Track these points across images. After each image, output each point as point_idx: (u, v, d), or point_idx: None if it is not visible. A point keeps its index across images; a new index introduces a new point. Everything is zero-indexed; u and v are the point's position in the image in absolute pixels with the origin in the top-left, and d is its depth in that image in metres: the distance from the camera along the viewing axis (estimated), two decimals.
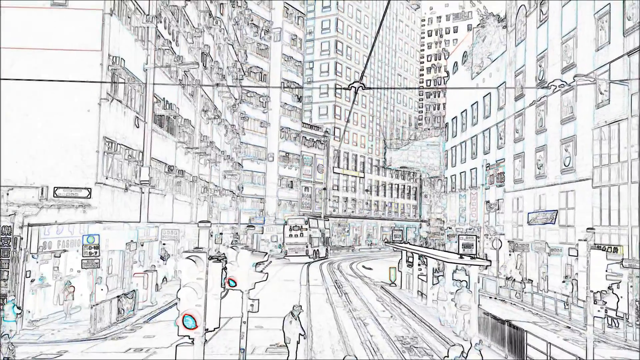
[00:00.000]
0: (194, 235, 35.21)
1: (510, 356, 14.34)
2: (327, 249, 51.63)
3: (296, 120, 63.15)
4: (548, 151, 29.84)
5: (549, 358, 12.27)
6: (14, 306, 15.60)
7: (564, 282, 26.08)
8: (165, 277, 29.03)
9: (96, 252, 17.35)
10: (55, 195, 17.65)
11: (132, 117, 21.67)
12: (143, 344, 15.48)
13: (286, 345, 12.13)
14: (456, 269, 18.74)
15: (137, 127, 22.11)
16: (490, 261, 17.57)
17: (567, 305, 21.98)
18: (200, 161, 34.57)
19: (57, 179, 17.78)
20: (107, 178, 19.10)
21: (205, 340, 10.77)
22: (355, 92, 16.97)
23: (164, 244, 30.75)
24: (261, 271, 10.83)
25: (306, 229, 46.07)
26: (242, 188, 53.40)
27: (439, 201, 66.27)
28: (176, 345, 10.18)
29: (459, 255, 17.52)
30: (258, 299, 10.87)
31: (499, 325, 15.55)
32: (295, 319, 11.46)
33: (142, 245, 23.81)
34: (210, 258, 10.78)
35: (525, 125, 32.88)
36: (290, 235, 46.13)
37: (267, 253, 11.19)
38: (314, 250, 47.19)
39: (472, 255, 17.31)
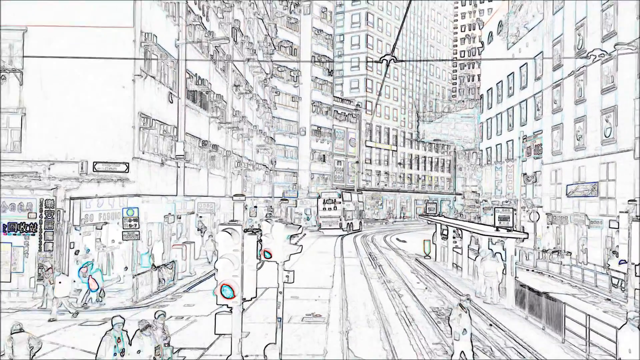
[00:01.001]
0: (229, 208, 35.77)
1: (548, 328, 14.19)
2: (360, 222, 51.84)
3: (327, 94, 62.80)
4: (588, 122, 28.88)
5: (587, 330, 12.08)
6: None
7: (621, 262, 24.95)
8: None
9: (136, 224, 17.83)
10: (94, 170, 18.12)
11: (166, 93, 21.94)
12: (184, 312, 15.95)
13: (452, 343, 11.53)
14: (491, 241, 18.54)
15: (171, 103, 22.37)
16: (527, 233, 17.29)
17: (623, 284, 20.85)
18: (233, 136, 34.86)
19: (96, 154, 18.23)
20: (143, 153, 19.49)
21: (243, 309, 11.04)
22: (387, 65, 16.70)
23: (200, 217, 31.36)
24: (295, 243, 10.93)
25: (340, 202, 46.37)
26: (275, 162, 53.76)
27: (473, 174, 65.30)
28: (215, 314, 10.44)
29: (495, 228, 17.29)
30: (293, 270, 11.00)
31: (537, 297, 15.37)
32: (465, 312, 11.04)
33: (180, 218, 24.33)
34: (246, 231, 10.97)
35: (564, 95, 31.83)
36: (324, 209, 46.48)
37: (301, 226, 11.27)
38: (348, 223, 47.44)
39: (509, 228, 17.04)
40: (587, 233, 28.98)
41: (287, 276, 10.50)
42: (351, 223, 48.47)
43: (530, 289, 15.91)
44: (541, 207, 34.72)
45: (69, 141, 18.60)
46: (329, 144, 62.84)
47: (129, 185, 18.68)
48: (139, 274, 17.54)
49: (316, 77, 60.87)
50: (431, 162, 79.74)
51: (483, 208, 49.22)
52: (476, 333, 14.25)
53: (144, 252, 20.51)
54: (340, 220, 46.24)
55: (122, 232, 17.90)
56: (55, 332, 13.43)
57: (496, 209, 17.24)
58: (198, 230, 30.76)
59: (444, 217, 40.29)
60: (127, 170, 18.47)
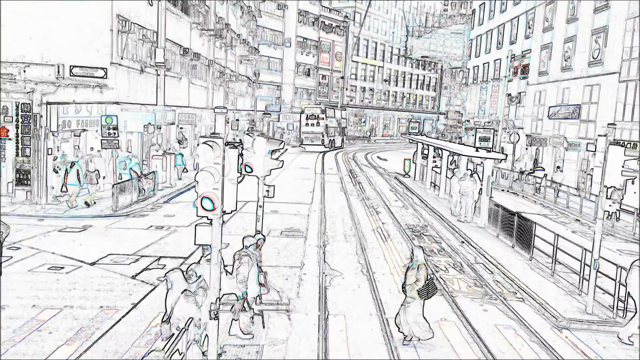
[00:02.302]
0: (210, 120, 35.33)
1: (518, 246, 14.76)
2: (342, 139, 52.11)
3: (315, 2, 60.26)
4: (577, 42, 28.40)
5: (555, 249, 12.59)
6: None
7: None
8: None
9: (115, 133, 17.54)
10: (71, 74, 17.47)
11: None
12: (164, 222, 16.16)
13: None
14: (470, 161, 18.76)
15: (151, 6, 21.27)
16: (506, 155, 17.51)
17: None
18: (215, 44, 33.66)
19: (74, 58, 17.47)
20: (122, 58, 18.75)
21: (223, 221, 11.17)
22: None
23: (181, 128, 30.96)
24: (277, 158, 10.89)
25: (322, 119, 46.28)
26: (259, 74, 52.50)
27: (458, 93, 64.89)
28: (195, 225, 10.56)
29: (475, 149, 17.44)
30: (274, 185, 11.06)
31: (508, 216, 15.85)
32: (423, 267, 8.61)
33: (160, 129, 23.99)
34: (227, 144, 10.88)
35: (556, 13, 31.02)
36: (307, 124, 46.35)
37: (283, 141, 11.17)
38: (330, 140, 47.59)
39: (489, 149, 17.20)
40: (565, 155, 29.47)
41: (267, 190, 10.57)
42: (333, 140, 48.58)
43: (503, 208, 16.37)
44: (522, 128, 34.94)
45: (45, 43, 17.67)
46: (315, 57, 61.22)
47: (108, 92, 18.16)
48: (118, 183, 17.52)
49: None
50: (417, 80, 78.58)
51: (465, 128, 49.42)
52: (448, 250, 14.79)
53: (125, 160, 20.34)
54: (323, 136, 46.28)
55: (101, 140, 17.63)
56: (35, 237, 13.55)
57: (477, 129, 17.26)
58: (179, 142, 30.49)
59: (426, 136, 40.45)
60: (105, 76, 17.86)
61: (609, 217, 19.37)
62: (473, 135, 47.78)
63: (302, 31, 59.01)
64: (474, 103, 46.88)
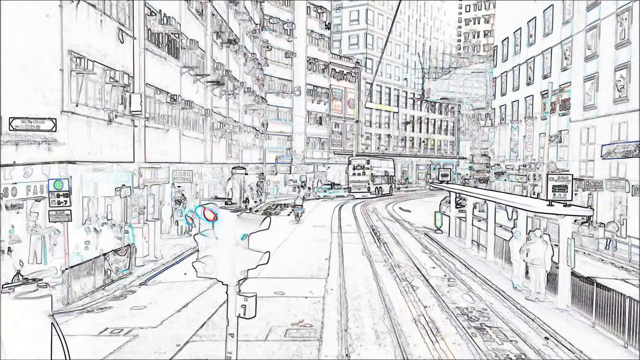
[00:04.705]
0: (211, 176, 31.42)
1: (601, 324, 10.09)
2: (390, 186, 54.30)
3: (324, 50, 57.51)
4: (632, 69, 24.19)
5: None
6: None
7: None
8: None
9: (66, 202, 13.44)
10: (11, 128, 13.60)
11: (114, 29, 17.15)
12: (126, 320, 11.70)
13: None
14: (535, 218, 14.20)
15: (122, 43, 17.61)
16: (593, 209, 12.96)
17: None
18: (214, 92, 30.14)
19: (14, 108, 13.67)
20: (77, 105, 14.87)
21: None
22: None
23: (179, 187, 27.04)
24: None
25: (368, 168, 50.50)
26: (267, 124, 49.02)
27: (481, 136, 60.80)
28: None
29: (547, 202, 12.97)
30: (268, 251, 6.79)
31: (606, 294, 11.19)
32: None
33: (142, 189, 19.92)
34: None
35: (601, 39, 27.00)
36: (354, 174, 50.64)
37: (268, 216, 6.74)
38: (376, 187, 51.12)
39: (567, 202, 12.71)
40: (628, 201, 24.70)
41: (243, 305, 6.18)
42: (380, 187, 51.77)
43: (599, 285, 11.64)
44: (567, 171, 30.31)
45: None
46: (326, 104, 57.88)
47: (58, 149, 14.19)
48: (72, 267, 13.25)
49: (312, 31, 55.52)
50: (434, 125, 74.77)
51: (495, 173, 44.85)
52: (531, 355, 10.03)
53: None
54: (369, 184, 50.12)
55: (49, 211, 13.48)
56: None
57: (550, 175, 12.81)
58: (177, 202, 26.49)
59: (456, 184, 36.02)
60: (54, 129, 13.94)
61: None
62: (505, 180, 43.37)
63: (311, 79, 56.00)
64: (504, 145, 42.50)
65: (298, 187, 45.21)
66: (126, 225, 16.18)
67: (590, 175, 27.82)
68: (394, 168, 57.70)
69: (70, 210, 13.42)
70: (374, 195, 50.13)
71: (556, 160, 32.47)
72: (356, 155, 56.59)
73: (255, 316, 6.60)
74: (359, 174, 50.62)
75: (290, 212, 31.80)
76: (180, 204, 26.84)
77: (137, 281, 15.70)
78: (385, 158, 57.63)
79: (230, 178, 32.68)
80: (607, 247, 21.71)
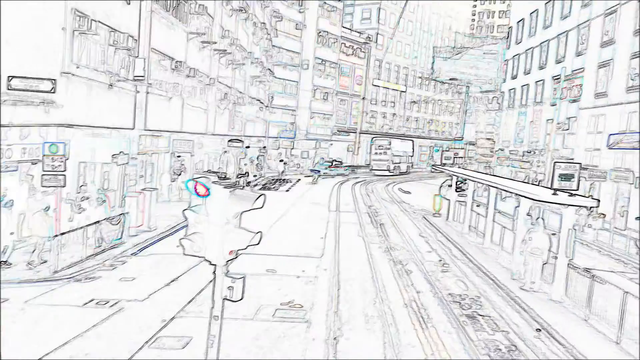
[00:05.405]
0: (212, 146, 31.09)
1: (594, 318, 9.92)
2: (408, 165, 57.60)
3: (335, 23, 56.41)
4: None
5: None
6: None
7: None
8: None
9: (61, 166, 13.20)
10: (9, 88, 13.28)
11: None
12: (113, 292, 11.56)
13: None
14: (537, 207, 13.92)
15: (129, 4, 17.12)
16: (598, 200, 12.66)
17: None
18: (220, 61, 29.59)
19: (15, 66, 13.32)
20: (77, 67, 14.49)
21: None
22: None
23: (178, 156, 26.75)
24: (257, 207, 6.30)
25: (389, 148, 53.73)
26: (273, 98, 48.42)
27: (487, 119, 60.02)
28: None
29: (552, 191, 12.65)
30: (260, 232, 6.59)
31: (600, 287, 10.99)
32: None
33: (136, 158, 19.58)
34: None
35: (619, 24, 26.24)
36: (376, 153, 54.13)
37: (263, 194, 6.42)
38: (395, 165, 54.49)
39: (572, 192, 12.39)
40: (631, 193, 24.34)
41: (230, 287, 5.97)
42: (398, 166, 55.09)
43: (595, 278, 11.40)
44: (572, 159, 29.87)
45: None
46: (334, 80, 57.04)
47: (56, 111, 13.88)
48: (61, 234, 13.10)
49: (324, 2, 54.34)
50: (440, 106, 73.84)
51: (498, 158, 44.39)
52: (522, 347, 9.87)
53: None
54: (389, 163, 53.52)
55: (42, 175, 13.24)
56: None
57: (556, 163, 12.47)
58: (176, 174, 26.24)
59: (461, 168, 35.68)
60: (53, 90, 13.62)
61: None
62: (508, 166, 42.89)
63: (320, 53, 55.06)
64: (509, 130, 41.92)
65: (281, 161, 45.18)
66: (102, 193, 15.90)
67: (595, 164, 27.40)
68: (413, 149, 60.30)
69: (65, 175, 13.19)
70: (393, 174, 53.65)
71: (562, 148, 31.99)
72: (375, 136, 58.73)
73: (242, 299, 6.40)
74: (380, 154, 53.82)
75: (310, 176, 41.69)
76: (177, 174, 26.56)
77: (128, 251, 15.56)
78: (405, 139, 60.11)
79: (225, 151, 32.37)
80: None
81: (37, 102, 13.78)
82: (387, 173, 53.21)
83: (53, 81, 13.74)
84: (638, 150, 23.58)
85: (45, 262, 13.26)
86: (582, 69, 29.89)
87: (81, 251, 13.92)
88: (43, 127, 13.76)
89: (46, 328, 9.35)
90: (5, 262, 12.96)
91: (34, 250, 13.22)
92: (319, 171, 43.08)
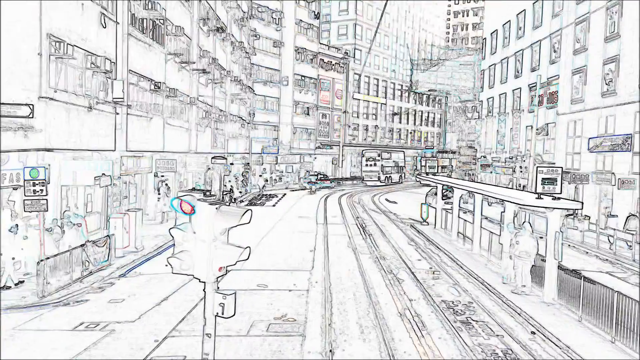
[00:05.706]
0: (196, 165, 30.93)
1: (588, 318, 9.98)
2: (400, 175, 59.32)
3: (313, 40, 56.90)
4: (621, 63, 24.15)
5: None
6: None
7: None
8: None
9: (42, 191, 12.97)
10: None
11: (96, 13, 16.59)
12: (103, 314, 11.34)
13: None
14: (522, 211, 14.05)
15: (104, 28, 17.06)
16: (581, 203, 12.83)
17: None
18: (200, 80, 29.59)
19: None
20: (55, 92, 14.35)
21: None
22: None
23: (162, 176, 26.54)
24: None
25: (379, 160, 55.64)
26: (254, 114, 48.46)
27: (467, 128, 60.78)
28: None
29: (536, 195, 12.80)
30: (249, 247, 6.47)
31: (591, 287, 11.08)
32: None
33: (118, 179, 19.40)
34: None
35: (590, 32, 26.91)
36: (367, 165, 55.89)
37: (249, 210, 6.36)
38: (386, 176, 56.35)
39: (556, 195, 12.54)
40: (613, 194, 24.76)
41: (222, 304, 5.89)
42: (390, 176, 56.78)
43: (587, 279, 11.50)
44: (554, 163, 30.33)
45: None
46: (314, 95, 57.38)
47: (35, 136, 13.69)
48: (47, 258, 12.82)
49: (301, 20, 54.83)
50: (421, 117, 74.64)
51: (481, 165, 44.88)
52: (518, 350, 9.88)
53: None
54: (379, 174, 55.28)
55: (24, 200, 13.00)
56: None
57: (539, 168, 12.64)
58: (159, 192, 26.00)
59: (443, 177, 35.95)
60: (31, 115, 13.44)
61: None
62: (491, 172, 43.39)
63: (299, 69, 55.41)
64: (490, 137, 42.48)
65: (261, 176, 45.58)
66: (77, 218, 15.63)
67: (576, 168, 27.85)
68: (404, 159, 61.58)
69: (47, 200, 12.96)
70: (384, 184, 55.29)
71: (543, 153, 32.49)
72: (367, 149, 59.89)
73: (234, 315, 6.31)
74: (371, 165, 55.62)
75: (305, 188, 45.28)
76: (158, 191, 26.29)
77: (116, 273, 15.31)
78: (396, 150, 61.77)
79: (209, 168, 32.18)
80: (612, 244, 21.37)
81: (16, 127, 13.59)
82: (378, 183, 54.81)
83: (31, 106, 13.56)
84: (618, 153, 24.07)
85: (21, 282, 13.13)
86: (557, 76, 30.51)
87: (67, 275, 13.64)
88: (22, 152, 13.54)
89: (36, 354, 9.10)
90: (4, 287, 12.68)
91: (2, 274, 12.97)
92: (315, 182, 46.24)
